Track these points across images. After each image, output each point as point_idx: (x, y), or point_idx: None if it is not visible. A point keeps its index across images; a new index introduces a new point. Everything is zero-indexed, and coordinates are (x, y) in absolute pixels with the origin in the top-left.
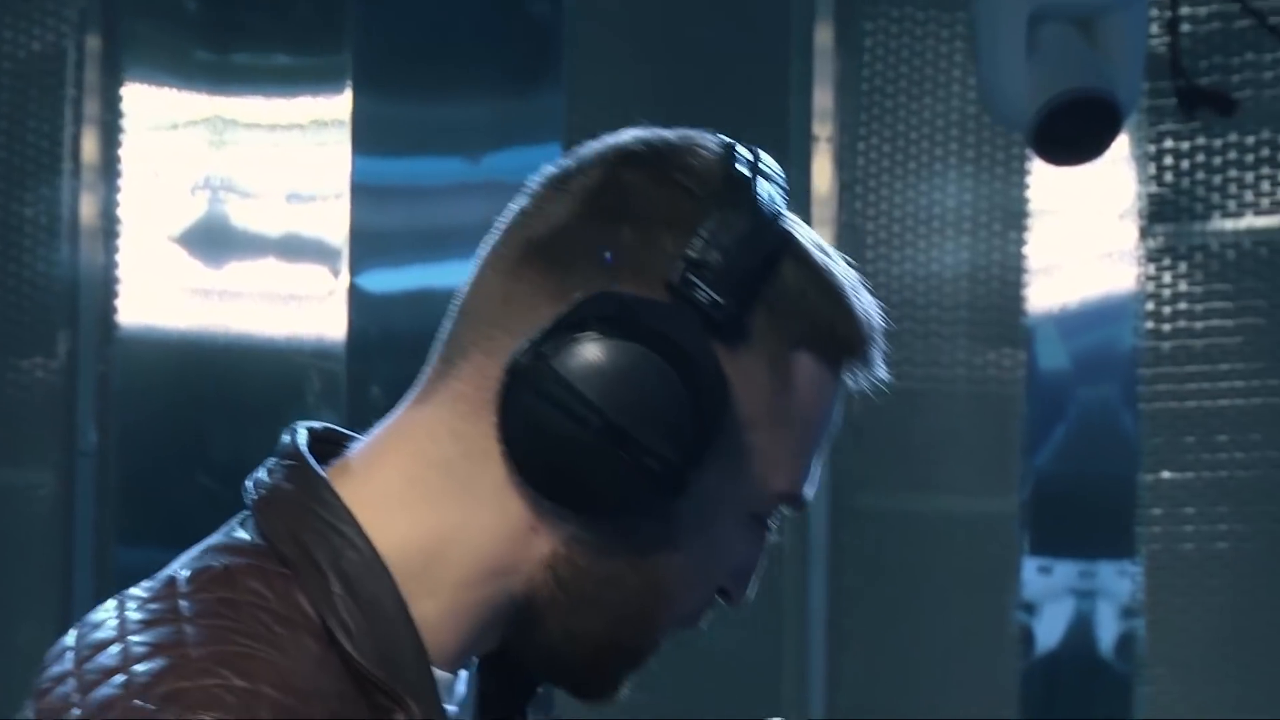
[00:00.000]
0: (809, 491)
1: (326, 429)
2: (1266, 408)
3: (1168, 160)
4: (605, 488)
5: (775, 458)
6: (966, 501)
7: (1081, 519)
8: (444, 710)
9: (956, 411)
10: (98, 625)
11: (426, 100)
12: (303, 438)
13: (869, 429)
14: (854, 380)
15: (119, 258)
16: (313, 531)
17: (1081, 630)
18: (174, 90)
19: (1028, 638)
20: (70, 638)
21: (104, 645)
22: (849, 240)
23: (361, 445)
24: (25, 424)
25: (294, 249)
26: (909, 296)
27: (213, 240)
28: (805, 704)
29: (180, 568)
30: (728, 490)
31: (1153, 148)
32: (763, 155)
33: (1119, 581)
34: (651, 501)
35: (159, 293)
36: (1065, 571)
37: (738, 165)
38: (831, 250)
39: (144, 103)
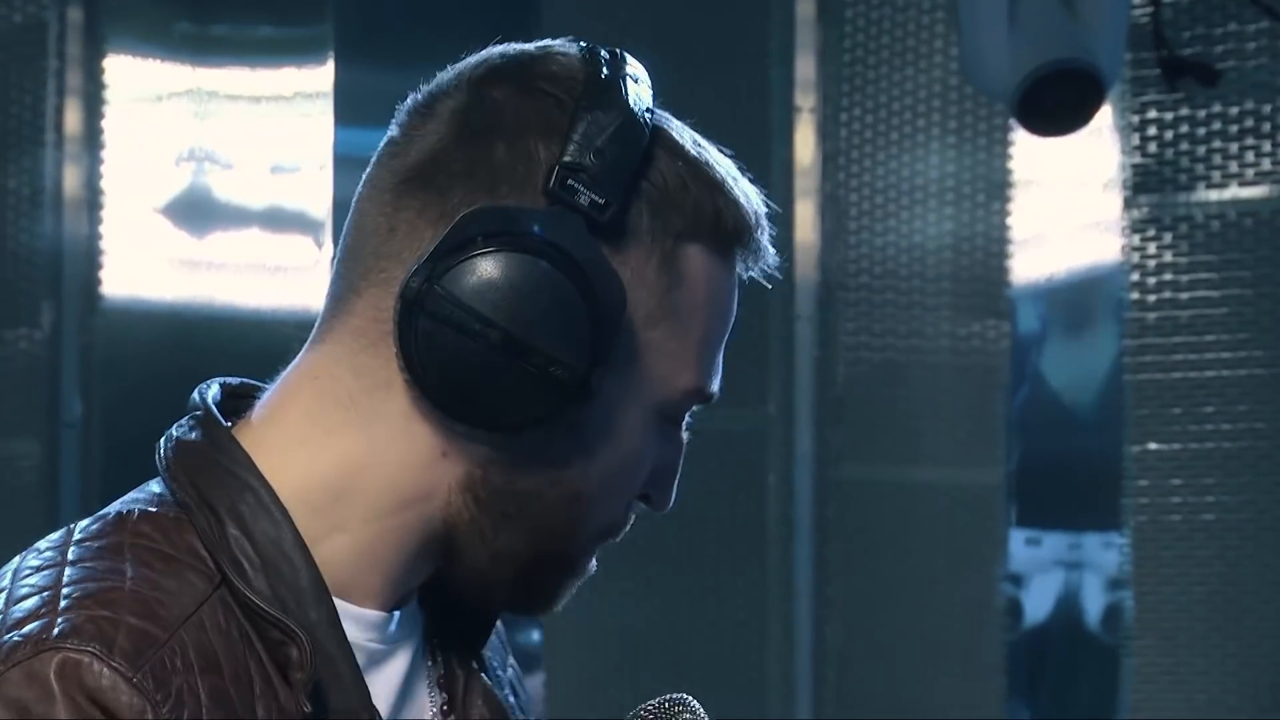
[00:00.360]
0: (714, 386)
1: (243, 383)
2: (1252, 378)
3: (1151, 131)
4: (510, 401)
5: (676, 354)
6: (951, 473)
7: (1068, 491)
8: (347, 644)
9: (941, 383)
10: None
11: (408, 71)
12: (212, 392)
13: (853, 400)
14: (746, 268)
15: (102, 229)
16: (209, 476)
17: (1068, 602)
18: (156, 62)
19: (1015, 609)
20: None
21: None
22: (831, 212)
23: (267, 393)
24: (9, 395)
25: (277, 220)
26: (892, 268)
27: (196, 212)
28: (791, 676)
29: (83, 520)
30: (632, 391)
31: (1136, 118)
32: (626, 56)
33: (1105, 553)
34: (558, 410)
35: (142, 264)
36: (1052, 543)
37: (602, 68)
38: (706, 143)
39: (126, 74)
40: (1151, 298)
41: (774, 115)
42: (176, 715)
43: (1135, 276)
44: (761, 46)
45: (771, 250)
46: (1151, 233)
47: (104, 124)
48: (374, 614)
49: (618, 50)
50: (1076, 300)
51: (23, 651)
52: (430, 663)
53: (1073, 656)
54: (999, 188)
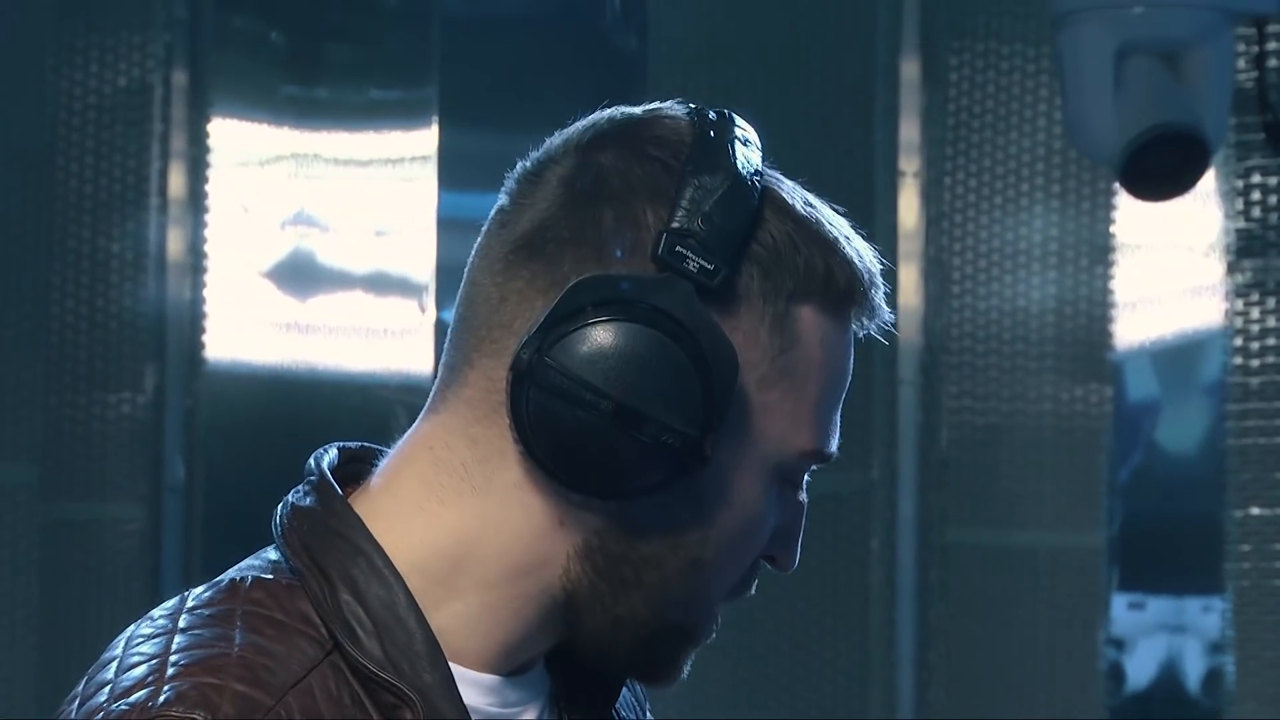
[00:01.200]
0: (832, 446)
1: (363, 447)
2: None
3: (1255, 195)
4: (624, 471)
5: (792, 415)
6: (1054, 537)
7: (1170, 555)
8: (463, 706)
9: (1043, 447)
10: (109, 648)
11: (513, 134)
12: (328, 458)
13: (956, 464)
14: (861, 326)
15: (206, 292)
16: (323, 542)
17: (1170, 667)
18: (260, 125)
19: (1117, 674)
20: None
21: (106, 664)
22: (935, 275)
23: (383, 461)
24: (113, 459)
25: (380, 283)
26: (995, 331)
27: (299, 275)
28: (892, 691)
29: (198, 587)
30: (749, 455)
31: (1240, 183)
32: (735, 117)
33: (1207, 618)
34: (673, 478)
35: (246, 327)
36: (1155, 608)
37: (710, 130)
38: (818, 201)
39: (230, 138)
40: (1255, 362)
41: (878, 178)
42: None
43: (1238, 341)
44: (866, 109)
45: (886, 308)
46: (1255, 297)
47: (208, 187)
48: (491, 678)
49: (726, 111)
50: (1179, 364)
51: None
52: None
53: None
54: (1102, 251)
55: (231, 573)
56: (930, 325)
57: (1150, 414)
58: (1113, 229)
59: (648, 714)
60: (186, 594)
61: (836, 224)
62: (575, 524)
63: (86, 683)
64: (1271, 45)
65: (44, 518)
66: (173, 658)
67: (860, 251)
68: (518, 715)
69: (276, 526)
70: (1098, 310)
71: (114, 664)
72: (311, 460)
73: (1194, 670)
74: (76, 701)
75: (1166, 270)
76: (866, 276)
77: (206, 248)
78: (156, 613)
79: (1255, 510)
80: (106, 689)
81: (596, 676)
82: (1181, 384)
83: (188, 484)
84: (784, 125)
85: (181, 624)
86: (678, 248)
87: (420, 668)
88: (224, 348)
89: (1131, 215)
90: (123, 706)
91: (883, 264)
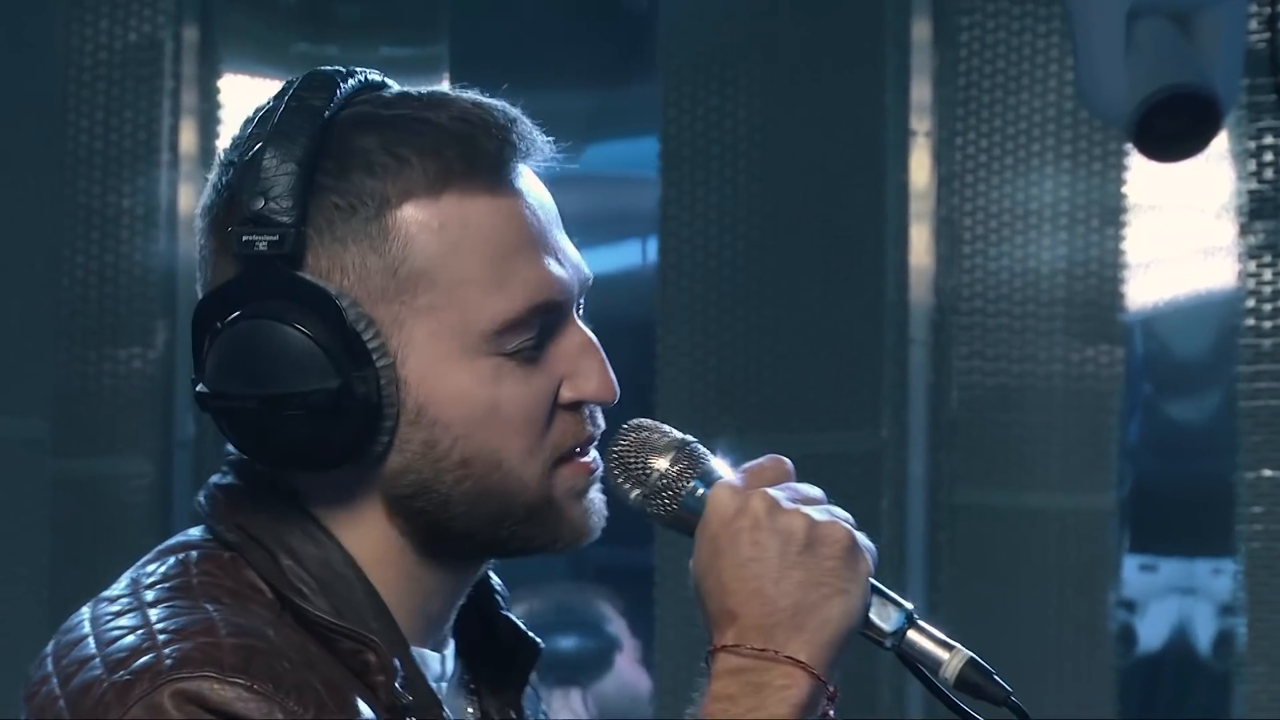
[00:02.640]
0: (543, 292)
1: None
2: None
3: (1267, 157)
4: (313, 445)
5: (459, 303)
6: (1064, 498)
7: (1181, 517)
8: (409, 650)
9: (1054, 408)
10: (71, 629)
11: (523, 92)
12: None
13: (966, 425)
14: (503, 176)
15: None
16: (251, 515)
17: (1181, 628)
18: (271, 81)
19: (1127, 635)
20: (48, 647)
21: (77, 642)
22: (946, 236)
23: None
24: (123, 414)
25: None
26: (1006, 292)
27: None
28: (902, 702)
29: (139, 567)
30: (426, 360)
31: (1252, 144)
32: (304, 80)
33: (1218, 580)
34: (357, 427)
35: None
36: (1165, 569)
37: (265, 106)
38: (413, 92)
39: (241, 93)
40: (1266, 324)
41: (889, 139)
42: (303, 706)
43: (1250, 303)
44: (877, 70)
45: (520, 139)
46: (1267, 259)
47: (219, 143)
48: (421, 650)
49: (288, 83)
50: (1190, 326)
51: (140, 688)
52: (470, 709)
53: (1185, 683)
54: (1114, 213)
55: (169, 554)
56: (941, 285)
57: (1161, 375)
58: (1124, 190)
59: (543, 709)
60: (134, 574)
61: (422, 108)
62: (353, 500)
63: (56, 662)
64: None
65: (54, 473)
66: (158, 626)
67: (454, 117)
68: (440, 689)
69: (202, 506)
70: (1109, 271)
71: (88, 641)
72: (229, 444)
73: (1204, 632)
74: (54, 681)
75: (1178, 231)
76: (460, 142)
77: None
78: (111, 593)
79: (1267, 472)
80: (96, 663)
81: (505, 663)
82: (1193, 345)
83: (198, 439)
84: (795, 86)
85: (148, 598)
86: (244, 238)
87: (365, 616)
88: None
89: (1143, 176)
90: (125, 676)
91: (502, 106)
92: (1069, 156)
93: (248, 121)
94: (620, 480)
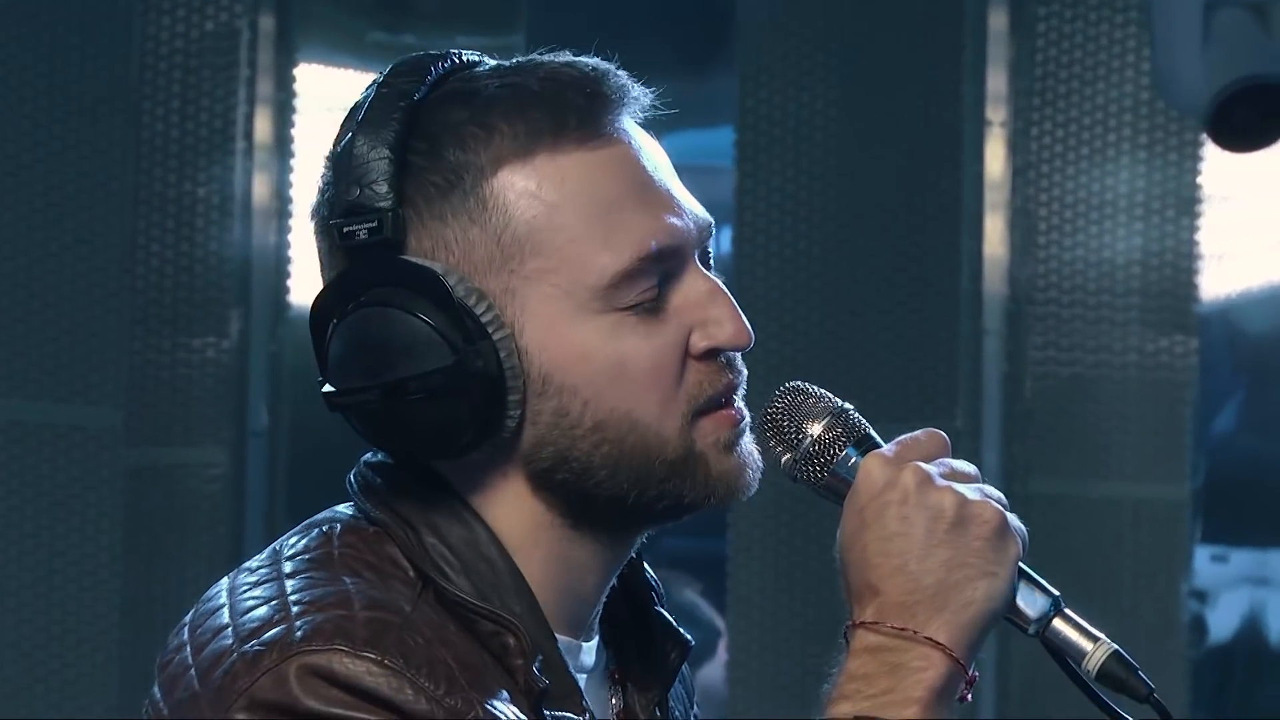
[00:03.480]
0: (653, 242)
1: None
2: None
3: None
4: (442, 431)
5: (568, 262)
6: (1138, 488)
7: (1254, 508)
8: (552, 635)
9: (1128, 398)
10: (209, 598)
11: None
12: None
13: (1040, 414)
14: (596, 129)
15: (291, 237)
16: (399, 494)
17: (1253, 619)
18: (347, 70)
19: (1199, 626)
20: (187, 615)
21: (213, 612)
22: (1021, 226)
23: None
24: (197, 404)
25: None
26: (1080, 282)
27: None
28: (977, 688)
29: (284, 538)
30: (545, 323)
31: None
32: (393, 71)
33: None
34: (481, 399)
35: None
36: (1238, 560)
37: (360, 103)
38: (496, 64)
39: (317, 83)
40: None
41: (965, 129)
42: (434, 682)
43: None
44: (954, 60)
45: (603, 85)
46: None
47: (294, 132)
48: (565, 639)
49: (386, 71)
50: (1265, 316)
51: (270, 659)
52: (614, 700)
53: (1257, 673)
54: (1189, 203)
55: (316, 524)
56: (1016, 275)
57: (1235, 366)
58: (1199, 180)
59: (694, 709)
60: (277, 546)
61: (509, 75)
62: (496, 481)
63: (192, 631)
64: None
65: (128, 462)
66: (292, 598)
67: (541, 79)
68: (580, 680)
69: (353, 484)
70: (1183, 262)
71: (223, 610)
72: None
73: (1276, 623)
74: (188, 650)
75: (1253, 222)
76: (546, 101)
77: (292, 193)
78: (252, 564)
79: None
80: (228, 633)
81: (655, 658)
82: (1267, 336)
83: (271, 429)
84: (873, 76)
85: (286, 570)
86: (345, 229)
87: (509, 599)
88: (309, 293)
89: (1218, 167)
90: (256, 646)
91: (594, 62)
92: (1144, 147)
93: (344, 118)
94: (771, 443)
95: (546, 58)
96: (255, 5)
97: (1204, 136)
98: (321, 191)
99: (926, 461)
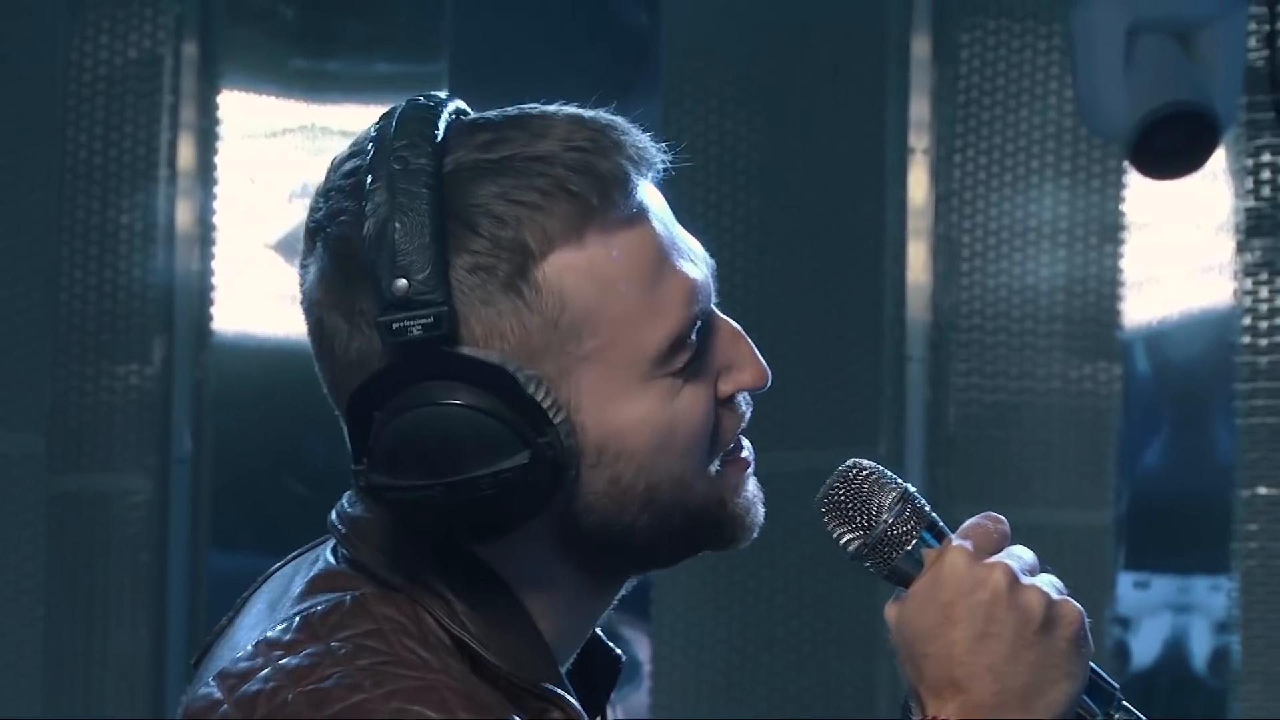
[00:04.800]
0: (690, 307)
1: None
2: None
3: (1265, 174)
4: (505, 518)
5: (621, 339)
6: (1061, 515)
7: (1177, 534)
8: (577, 703)
9: (1052, 425)
10: (247, 676)
11: None
12: None
13: (963, 441)
14: (630, 196)
15: (214, 264)
16: (410, 553)
17: (1176, 645)
18: (271, 98)
19: (1122, 652)
20: (215, 690)
21: (271, 696)
22: (944, 253)
23: None
24: (121, 431)
25: None
26: (1004, 309)
27: None
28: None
29: (305, 607)
30: (600, 400)
31: (1250, 161)
32: (388, 129)
33: (1214, 597)
34: (541, 496)
35: (254, 299)
36: (1161, 586)
37: (367, 182)
38: (506, 127)
39: (240, 110)
40: (1263, 341)
41: (888, 156)
42: None
43: (1247, 320)
44: (877, 86)
45: (638, 146)
46: (1264, 276)
47: (217, 159)
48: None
49: (378, 134)
50: (1188, 344)
51: None
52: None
53: (1180, 700)
54: (1112, 230)
55: (332, 591)
56: (939, 303)
57: (1159, 393)
58: (1123, 207)
59: None
60: (307, 618)
61: (528, 142)
62: (520, 543)
63: (246, 717)
64: None
65: (51, 489)
66: (380, 691)
67: (567, 147)
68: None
69: (346, 536)
70: (1107, 289)
71: (287, 698)
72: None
73: (1200, 650)
74: None
75: (1176, 249)
76: (584, 175)
77: (215, 220)
78: (283, 638)
79: (1263, 490)
80: None
81: (591, 686)
82: (1190, 363)
83: (195, 456)
84: (795, 102)
85: (342, 651)
86: (394, 325)
87: (540, 668)
88: (232, 320)
89: (1141, 194)
90: None
91: (605, 118)
92: (1068, 174)
93: (343, 189)
94: (834, 525)
95: (552, 111)
96: (178, 32)
97: (1127, 163)
98: (340, 268)
99: (998, 552)
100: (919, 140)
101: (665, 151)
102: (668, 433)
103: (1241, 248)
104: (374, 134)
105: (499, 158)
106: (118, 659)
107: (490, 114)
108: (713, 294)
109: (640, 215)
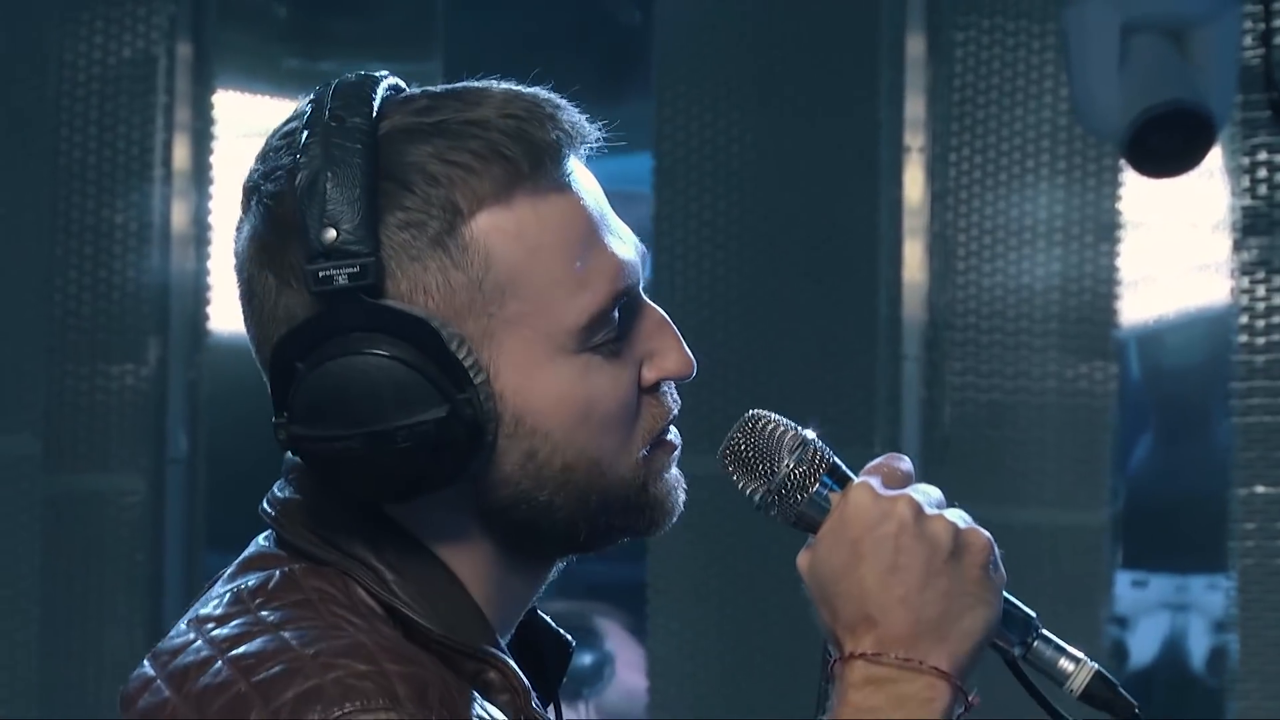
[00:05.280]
0: (619, 282)
1: None
2: None
3: (1261, 173)
4: (424, 472)
5: (543, 307)
6: (1057, 514)
7: (1174, 533)
8: (514, 664)
9: (1047, 424)
10: (179, 650)
11: None
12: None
13: (959, 440)
14: (563, 169)
15: (210, 264)
16: (340, 529)
17: (1173, 644)
18: (265, 98)
19: (1120, 651)
20: (148, 668)
21: (202, 667)
22: (940, 251)
23: None
24: (115, 431)
25: None
26: (1000, 308)
27: None
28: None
29: (229, 582)
30: (522, 367)
31: (1246, 160)
32: (329, 93)
33: (1211, 595)
34: (467, 448)
35: None
36: (1158, 585)
37: (302, 136)
38: (445, 96)
39: (235, 110)
40: (1260, 340)
41: (883, 154)
42: None
43: (1244, 319)
44: (872, 85)
45: (569, 123)
46: (1261, 275)
47: (212, 159)
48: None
49: (315, 99)
50: (1184, 342)
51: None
52: None
53: (1178, 699)
54: (1108, 229)
55: (260, 563)
56: (934, 301)
57: (1155, 392)
58: (1118, 206)
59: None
60: (234, 589)
61: (465, 109)
62: (446, 515)
63: (179, 689)
64: (1278, 23)
65: (47, 489)
66: (306, 651)
67: (502, 114)
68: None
69: (278, 521)
70: (1103, 287)
71: (218, 667)
72: (289, 454)
73: (1197, 648)
74: (183, 712)
75: (1172, 248)
76: (518, 140)
77: (210, 220)
78: (212, 611)
79: (1260, 489)
80: (245, 692)
81: (540, 670)
82: (1187, 361)
83: (190, 456)
84: (789, 102)
85: (269, 619)
86: (321, 273)
87: (473, 631)
88: (227, 320)
89: (1137, 192)
90: (290, 708)
91: (541, 93)
92: (1063, 172)
93: (279, 148)
94: (736, 476)
95: (486, 86)
96: (172, 33)
97: (1122, 162)
98: (271, 225)
99: (903, 489)
100: (914, 139)
101: (600, 131)
102: (584, 410)
103: (1238, 246)
104: (312, 99)
105: (435, 121)
106: (113, 659)
107: (428, 88)
108: (641, 278)
109: (570, 187)
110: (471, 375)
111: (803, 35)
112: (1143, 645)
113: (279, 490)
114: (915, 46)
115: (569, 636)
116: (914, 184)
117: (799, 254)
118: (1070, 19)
